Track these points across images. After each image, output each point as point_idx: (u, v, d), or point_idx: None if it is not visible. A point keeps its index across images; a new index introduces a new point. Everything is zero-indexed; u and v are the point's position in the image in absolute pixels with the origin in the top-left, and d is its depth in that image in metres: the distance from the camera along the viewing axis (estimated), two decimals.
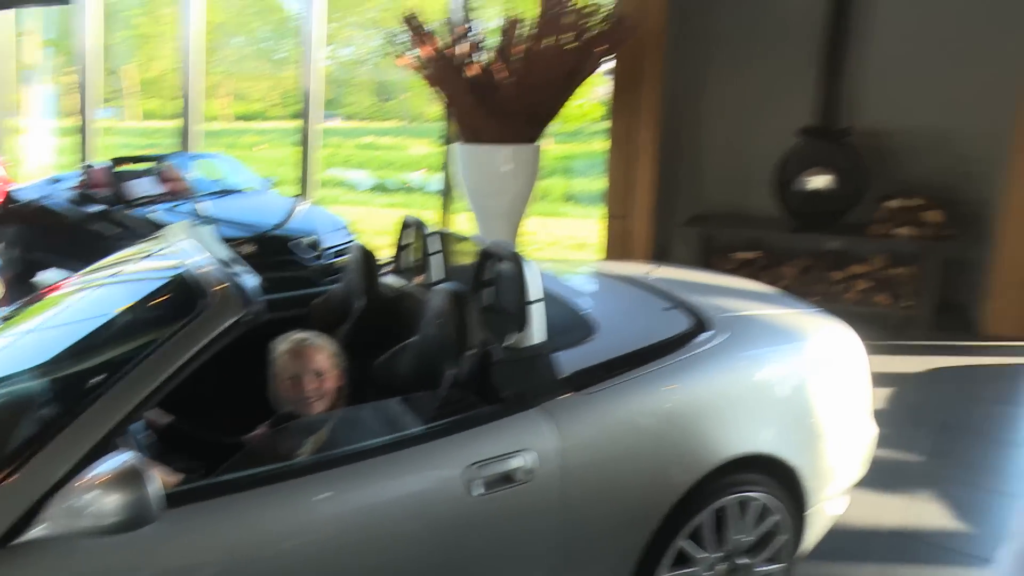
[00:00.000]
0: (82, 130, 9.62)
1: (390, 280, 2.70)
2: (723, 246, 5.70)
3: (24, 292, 6.16)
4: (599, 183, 12.96)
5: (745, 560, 2.04)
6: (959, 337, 4.78)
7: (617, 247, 5.84)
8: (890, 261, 5.12)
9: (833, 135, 5.26)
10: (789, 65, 5.61)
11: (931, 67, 5.22)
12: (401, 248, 2.85)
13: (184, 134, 8.62)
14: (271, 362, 2.05)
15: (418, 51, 5.17)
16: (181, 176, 6.32)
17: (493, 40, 5.16)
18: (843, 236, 5.23)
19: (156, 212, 5.70)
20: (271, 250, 5.24)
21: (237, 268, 1.73)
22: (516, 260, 1.99)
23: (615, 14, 5.17)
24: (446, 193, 7.12)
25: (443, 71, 5.13)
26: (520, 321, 1.93)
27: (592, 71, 5.32)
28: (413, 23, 5.16)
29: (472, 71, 5.00)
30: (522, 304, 1.93)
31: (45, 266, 6.52)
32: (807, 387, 2.14)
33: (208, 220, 5.46)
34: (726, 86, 5.84)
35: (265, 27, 21.94)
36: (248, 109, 23.08)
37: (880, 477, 2.35)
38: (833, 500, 2.23)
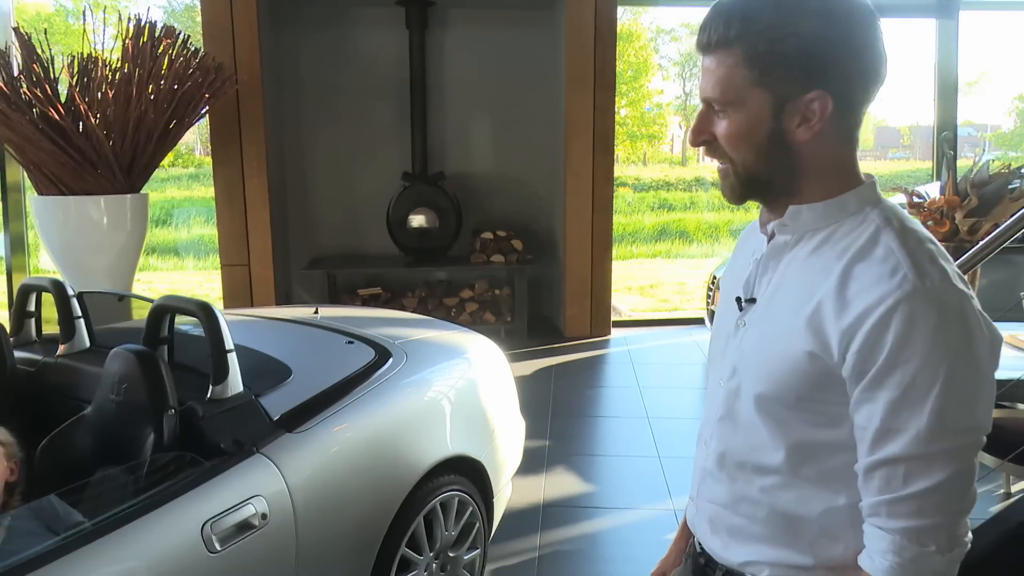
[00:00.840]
0: None
1: (19, 355, 2.33)
2: (345, 286, 5.99)
3: None
4: (185, 232, 12.17)
5: (451, 554, 2.31)
6: (549, 341, 5.84)
7: (239, 295, 5.69)
8: (489, 285, 6.00)
9: (430, 179, 5.95)
10: (385, 118, 6.19)
11: (496, 122, 6.30)
12: (24, 316, 2.48)
13: None
14: None
15: None
16: None
17: (63, 78, 4.62)
18: (449, 266, 5.97)
19: None
20: None
21: None
22: (207, 310, 1.96)
23: (210, 62, 5.08)
24: (13, 253, 6.04)
25: (5, 113, 4.43)
26: (220, 372, 1.91)
27: (194, 119, 5.14)
28: None
29: (50, 114, 4.42)
30: (221, 354, 1.91)
31: None
32: (478, 392, 2.52)
33: None
34: (331, 136, 6.19)
35: None
36: None
37: (524, 463, 2.85)
38: (506, 487, 2.64)
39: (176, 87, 4.77)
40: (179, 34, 4.87)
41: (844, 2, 0.89)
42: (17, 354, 2.31)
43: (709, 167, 16.15)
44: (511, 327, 5.93)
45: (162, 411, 1.79)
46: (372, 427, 2.11)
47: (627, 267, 10.69)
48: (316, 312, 2.90)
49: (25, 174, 5.00)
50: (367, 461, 2.05)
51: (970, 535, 0.90)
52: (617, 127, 6.18)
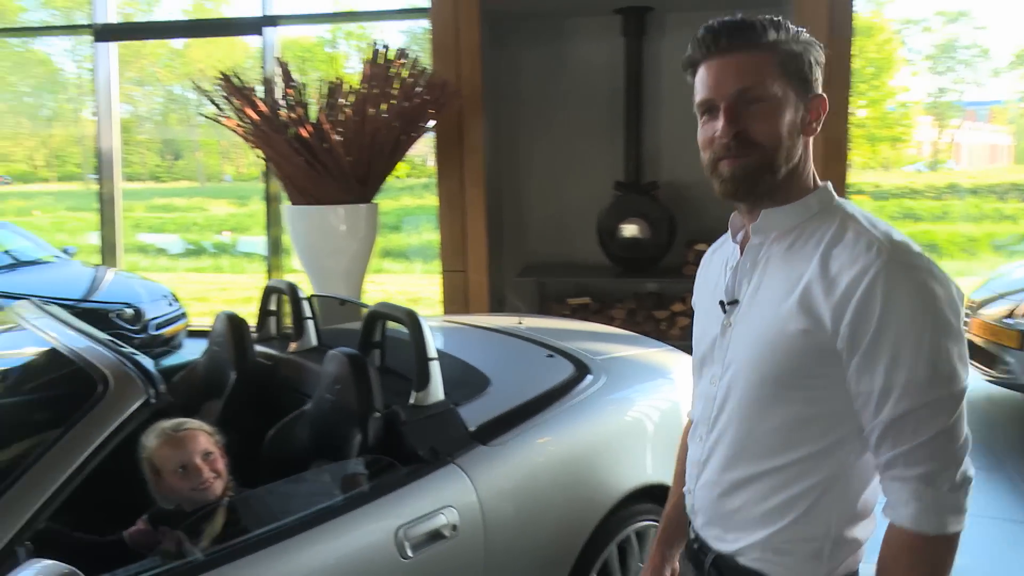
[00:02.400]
0: None
1: (259, 348, 2.59)
2: (555, 294, 6.04)
3: None
4: (416, 238, 13.14)
5: None
6: None
7: (457, 300, 5.96)
8: None
9: (642, 188, 5.82)
10: (597, 127, 6.16)
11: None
12: (266, 314, 2.76)
13: None
14: (144, 460, 1.85)
15: (233, 110, 5.02)
16: None
17: (314, 100, 5.14)
18: (660, 278, 5.78)
19: None
20: (89, 323, 4.74)
21: (125, 348, 1.61)
22: (413, 318, 2.03)
23: (436, 80, 5.39)
24: (272, 255, 6.87)
25: (268, 133, 5.02)
26: (422, 379, 1.97)
27: (421, 133, 5.48)
28: (231, 83, 5.02)
29: (302, 133, 4.94)
30: (424, 362, 1.97)
31: None
32: (679, 415, 2.37)
33: (4, 296, 4.84)
34: (545, 146, 6.29)
35: (27, 81, 19.88)
36: (9, 170, 20.63)
37: None
38: None
39: (405, 104, 5.11)
40: (409, 55, 5.22)
41: (814, 40, 1.12)
42: (258, 348, 2.58)
43: (966, 171, 14.20)
44: None
45: (368, 413, 1.88)
46: (568, 445, 2.05)
47: None
48: (520, 323, 2.92)
49: (281, 186, 5.64)
50: (561, 480, 1.99)
51: (973, 470, 1.00)
52: (854, 129, 5.60)
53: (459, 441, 1.88)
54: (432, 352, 1.99)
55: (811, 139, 1.11)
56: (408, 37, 12.56)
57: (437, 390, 1.97)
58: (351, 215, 5.21)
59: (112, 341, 1.65)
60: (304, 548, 1.53)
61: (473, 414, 1.99)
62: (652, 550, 1.40)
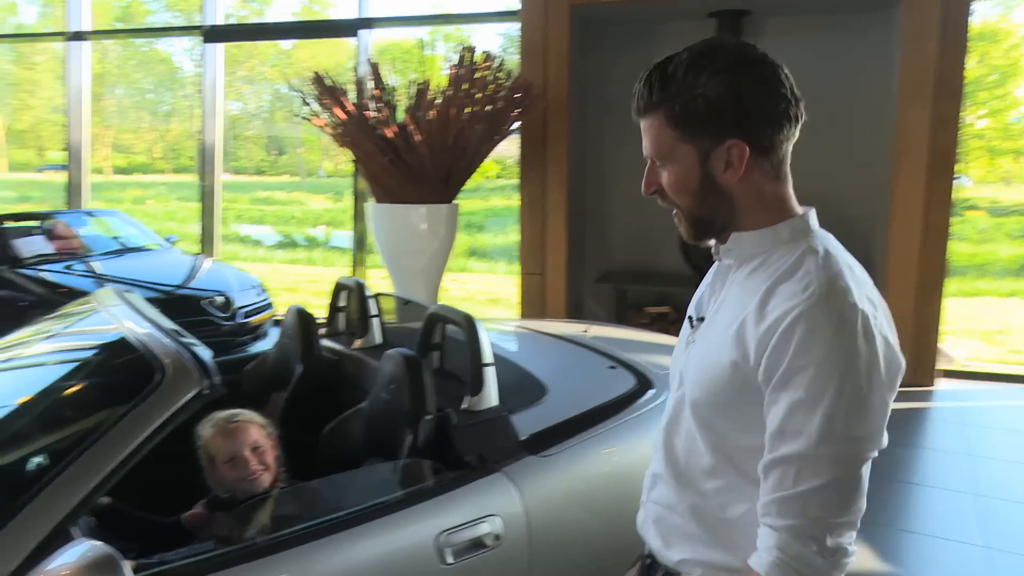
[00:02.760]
0: None
1: (326, 344, 2.65)
2: (634, 302, 5.93)
3: None
4: (501, 238, 13.22)
5: None
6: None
7: (534, 303, 5.95)
8: None
9: None
10: None
11: (808, 138, 5.71)
12: (336, 310, 2.82)
13: (68, 189, 8.16)
14: (199, 448, 1.92)
15: (324, 109, 5.17)
16: (74, 234, 5.96)
17: (402, 101, 5.24)
18: None
19: (49, 272, 5.34)
20: (182, 310, 5.00)
21: (188, 338, 1.66)
22: (470, 322, 2.01)
23: (522, 82, 5.38)
24: (357, 251, 7.06)
25: (355, 132, 5.15)
26: (476, 384, 1.95)
27: (504, 136, 5.48)
28: (322, 85, 5.18)
29: (387, 133, 5.04)
30: (478, 367, 1.95)
31: None
32: None
33: (109, 281, 5.16)
34: (631, 152, 6.16)
35: (149, 79, 21.22)
36: (130, 162, 22.08)
37: None
38: None
39: (489, 107, 5.13)
40: (495, 58, 5.24)
41: (746, 61, 1.01)
42: (326, 343, 2.64)
43: None
44: None
45: (420, 415, 1.87)
46: (621, 461, 1.99)
47: (970, 306, 9.06)
48: (585, 331, 2.87)
49: (368, 184, 5.78)
50: (612, 497, 1.93)
51: (854, 548, 0.97)
52: (972, 140, 5.23)
53: (509, 449, 1.85)
54: (488, 357, 1.97)
55: (760, 175, 1.04)
56: (505, 40, 12.69)
57: (491, 396, 1.95)
58: (432, 214, 5.27)
59: (175, 331, 1.71)
60: (345, 545, 1.54)
61: (526, 422, 1.96)
62: None
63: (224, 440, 1.85)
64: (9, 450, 1.58)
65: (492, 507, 1.71)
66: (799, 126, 1.05)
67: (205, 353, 1.57)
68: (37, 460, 1.47)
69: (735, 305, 1.05)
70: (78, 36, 8.16)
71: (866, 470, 0.97)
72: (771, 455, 0.97)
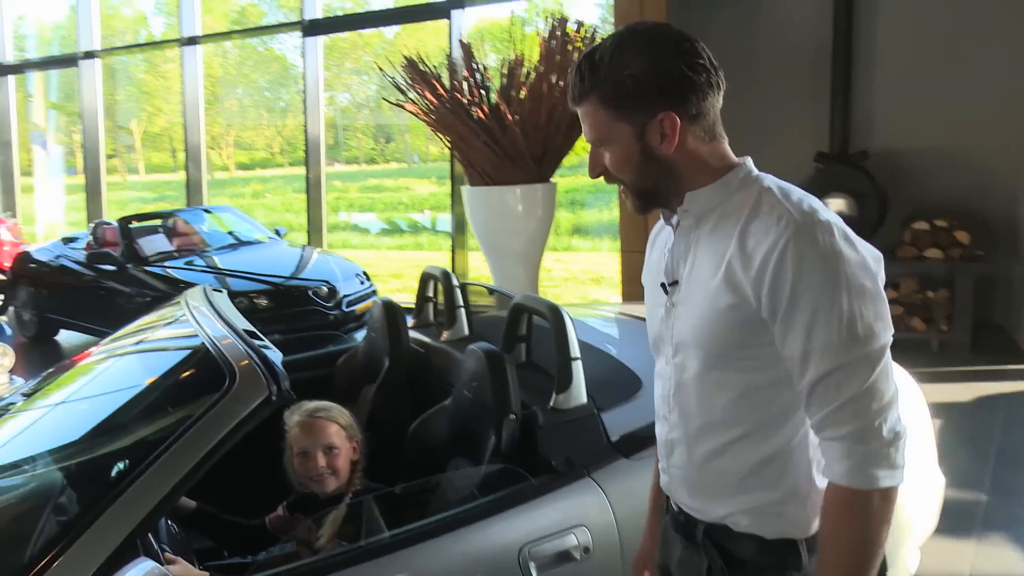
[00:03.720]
0: (86, 188, 9.65)
1: (415, 335, 2.58)
2: None
3: (38, 355, 6.09)
4: (606, 215, 12.95)
5: None
6: (1001, 360, 4.60)
7: (636, 282, 5.70)
8: (920, 285, 4.99)
9: (850, 159, 5.17)
10: (798, 92, 5.55)
11: (940, 85, 5.16)
12: (424, 300, 2.75)
13: (187, 187, 8.63)
14: (285, 433, 1.90)
15: (420, 96, 5.13)
16: (193, 231, 6.27)
17: (496, 81, 5.12)
18: None
19: (170, 269, 5.64)
20: (290, 301, 5.16)
21: (259, 341, 1.62)
22: (556, 314, 1.88)
23: None
24: (456, 235, 7.05)
25: (447, 116, 5.08)
26: (563, 381, 1.82)
27: None
28: (414, 69, 5.13)
29: (478, 114, 4.94)
30: (566, 362, 1.82)
31: (60, 328, 6.46)
32: None
33: (225, 274, 5.39)
34: (736, 114, 5.78)
35: (266, 77, 22.22)
36: (251, 158, 23.29)
37: (944, 519, 2.20)
38: (910, 554, 2.07)
39: None
40: (586, 27, 5.01)
41: (665, 38, 1.09)
42: (414, 335, 2.57)
43: None
44: (947, 338, 4.85)
45: (503, 415, 1.76)
46: None
47: None
48: None
49: (463, 167, 5.72)
50: None
51: (904, 424, 1.03)
52: None
53: (598, 452, 1.70)
54: (575, 352, 1.84)
55: (695, 140, 1.09)
56: (604, 10, 12.30)
57: (579, 393, 1.82)
58: (527, 195, 5.15)
59: (252, 332, 1.67)
60: (420, 558, 1.46)
61: (618, 421, 1.81)
62: (644, 532, 1.41)
63: (302, 432, 1.81)
64: (94, 454, 1.60)
65: (580, 516, 1.58)
66: (722, 92, 1.11)
67: (275, 356, 1.52)
68: (116, 466, 1.46)
69: (711, 257, 1.08)
70: (191, 41, 8.57)
71: (888, 354, 1.02)
72: (806, 378, 1.02)
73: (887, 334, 1.03)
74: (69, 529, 1.26)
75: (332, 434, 1.81)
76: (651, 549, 1.38)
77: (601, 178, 1.16)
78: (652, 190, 1.13)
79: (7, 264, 7.01)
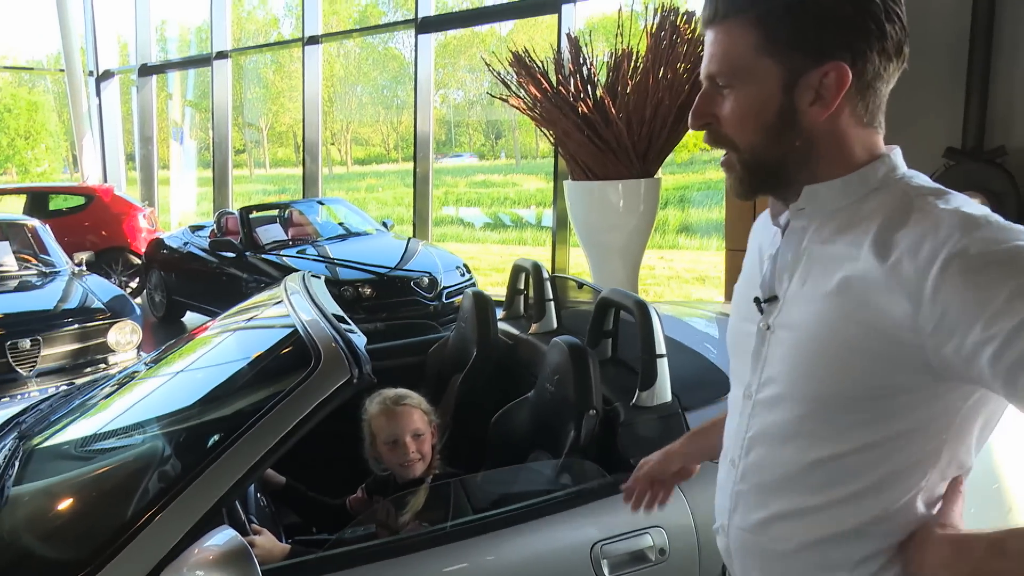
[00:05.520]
0: (214, 180, 10.31)
1: (504, 327, 2.60)
2: None
3: (164, 335, 6.58)
4: (716, 213, 12.58)
5: None
6: None
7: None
8: None
9: (985, 156, 4.77)
10: (931, 83, 5.17)
11: None
12: (515, 292, 2.76)
13: (303, 180, 9.05)
14: (365, 422, 1.93)
15: (526, 91, 5.15)
16: (307, 221, 6.58)
17: (603, 75, 5.05)
18: None
19: (284, 256, 5.94)
20: (393, 290, 5.32)
21: (346, 326, 1.67)
22: (642, 310, 1.83)
23: None
24: (557, 230, 7.04)
25: (551, 110, 5.07)
26: (647, 378, 1.77)
27: None
28: (520, 63, 5.15)
29: (582, 109, 4.90)
30: (651, 358, 1.77)
31: (186, 310, 6.94)
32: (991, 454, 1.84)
33: (333, 263, 5.63)
34: None
35: (384, 75, 23.03)
36: (367, 153, 24.22)
37: None
38: None
39: (690, 70, 4.78)
40: (697, 19, 4.86)
41: None
42: (502, 326, 2.59)
43: None
44: None
45: (584, 409, 1.74)
46: None
47: None
48: None
49: (567, 162, 5.70)
50: None
51: None
52: None
53: None
54: (660, 348, 1.78)
55: (851, 116, 0.84)
56: None
57: (663, 391, 1.77)
58: (629, 190, 5.06)
59: (340, 317, 1.73)
60: (493, 546, 1.46)
61: (704, 420, 1.74)
62: (685, 438, 1.28)
63: (387, 421, 1.85)
64: (193, 423, 1.70)
65: (657, 517, 1.52)
66: (902, 69, 0.86)
67: (359, 340, 1.56)
68: (209, 438, 1.55)
69: (831, 271, 0.83)
70: (312, 40, 8.98)
71: None
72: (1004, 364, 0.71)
73: None
74: (164, 492, 1.34)
75: (416, 420, 1.85)
76: (664, 466, 1.24)
77: (702, 133, 0.90)
78: (774, 166, 0.87)
79: (143, 250, 7.61)
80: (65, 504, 1.58)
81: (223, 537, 1.21)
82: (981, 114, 4.84)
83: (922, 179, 0.87)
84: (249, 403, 1.55)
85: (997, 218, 0.78)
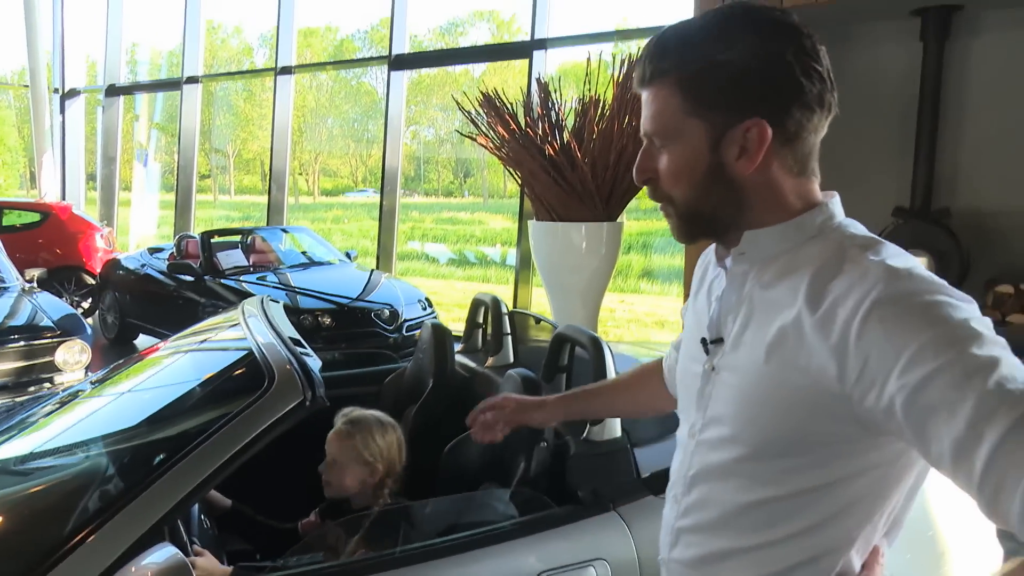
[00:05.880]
0: (176, 204, 10.19)
1: (461, 360, 2.61)
2: None
3: (114, 357, 6.42)
4: (678, 260, 12.81)
5: None
6: None
7: None
8: None
9: (931, 216, 4.98)
10: (881, 144, 5.41)
11: None
12: (473, 326, 2.78)
13: (268, 208, 9.01)
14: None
15: (495, 131, 5.25)
16: (270, 248, 6.54)
17: (570, 120, 5.18)
18: None
19: (244, 282, 5.88)
20: (353, 321, 5.29)
21: (301, 349, 1.67)
22: (596, 345, 1.87)
23: None
24: (521, 269, 7.10)
25: (519, 151, 5.17)
26: None
27: None
28: (490, 104, 5.26)
29: (549, 151, 5.01)
30: None
31: (139, 332, 6.79)
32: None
33: (294, 291, 5.58)
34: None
35: (356, 109, 23.18)
36: (335, 185, 24.21)
37: None
38: None
39: None
40: None
41: (784, 27, 0.86)
42: (460, 359, 2.60)
43: None
44: None
45: (535, 442, 1.76)
46: None
47: None
48: None
49: (532, 203, 5.79)
50: None
51: None
52: None
53: (626, 487, 1.68)
54: None
55: (780, 168, 0.88)
56: None
57: (614, 426, 1.80)
58: (592, 233, 5.16)
59: (297, 340, 1.73)
60: (439, 572, 1.46)
61: (652, 458, 1.78)
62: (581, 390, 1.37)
63: (336, 440, 1.86)
64: (139, 442, 1.68)
65: (602, 550, 1.55)
66: (830, 118, 0.90)
67: (314, 363, 1.56)
68: (155, 456, 1.53)
69: (770, 318, 0.86)
70: (285, 70, 9.03)
71: None
72: (977, 462, 0.70)
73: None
74: (104, 510, 1.32)
75: (369, 445, 1.85)
76: (528, 412, 1.34)
77: (645, 188, 0.94)
78: (708, 216, 0.90)
79: (99, 269, 7.46)
80: (6, 515, 1.53)
81: (162, 555, 1.20)
82: (928, 176, 5.07)
83: (858, 228, 0.90)
84: (199, 422, 1.53)
85: (921, 270, 0.81)
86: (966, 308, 0.76)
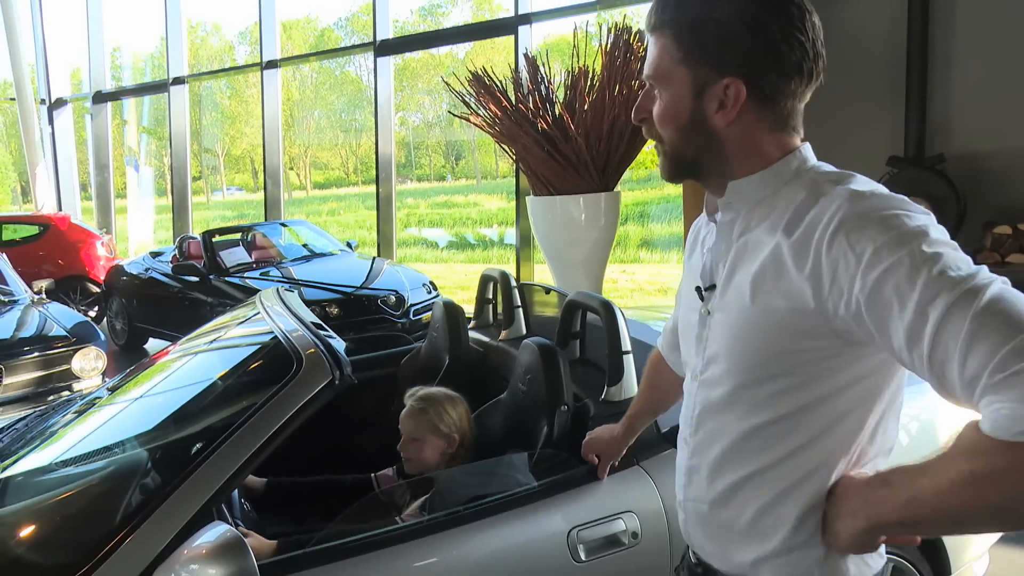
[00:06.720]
0: (172, 207, 10.20)
1: (475, 335, 2.67)
2: None
3: (128, 362, 6.48)
4: (675, 227, 12.84)
5: None
6: None
7: None
8: None
9: (925, 163, 5.01)
10: (872, 95, 5.42)
11: (1022, 85, 4.95)
12: (483, 302, 2.83)
13: (265, 205, 9.02)
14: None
15: (485, 108, 5.26)
16: (271, 243, 6.57)
17: (560, 93, 5.20)
18: None
19: (248, 279, 5.92)
20: (360, 309, 5.34)
21: (325, 332, 1.72)
22: (608, 309, 1.92)
23: None
24: (521, 246, 7.14)
25: (512, 127, 5.19)
26: (614, 373, 1.86)
27: None
28: (480, 83, 5.27)
29: (541, 125, 5.03)
30: (618, 355, 1.86)
31: (148, 336, 6.85)
32: (933, 426, 1.96)
33: (299, 284, 5.63)
34: (808, 118, 5.69)
35: (341, 99, 23.05)
36: (326, 178, 24.13)
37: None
38: (978, 560, 2.01)
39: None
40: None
41: None
42: (473, 334, 2.66)
43: None
44: None
45: (556, 405, 1.81)
46: None
47: None
48: None
49: (528, 179, 5.82)
50: None
51: None
52: None
53: (648, 442, 1.73)
54: (626, 345, 1.88)
55: (757, 124, 0.95)
56: None
57: (630, 385, 1.86)
58: (590, 204, 5.19)
59: (319, 324, 1.78)
60: (475, 536, 1.52)
61: (670, 414, 1.83)
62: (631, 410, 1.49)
63: (406, 419, 1.95)
64: (175, 437, 1.73)
65: (630, 503, 1.62)
66: (813, 85, 0.96)
67: (339, 345, 1.62)
68: (194, 446, 1.58)
69: (754, 255, 0.93)
70: (271, 64, 9.01)
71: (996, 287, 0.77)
72: (921, 360, 0.77)
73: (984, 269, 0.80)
74: (151, 500, 1.38)
75: (408, 425, 1.92)
76: (612, 442, 1.52)
77: (643, 126, 1.01)
78: (689, 160, 0.98)
79: (102, 277, 7.50)
80: (54, 515, 1.59)
81: (216, 532, 1.26)
82: (920, 124, 5.09)
83: (828, 167, 0.98)
84: (235, 409, 1.59)
85: (883, 191, 0.89)
86: (922, 218, 0.84)
